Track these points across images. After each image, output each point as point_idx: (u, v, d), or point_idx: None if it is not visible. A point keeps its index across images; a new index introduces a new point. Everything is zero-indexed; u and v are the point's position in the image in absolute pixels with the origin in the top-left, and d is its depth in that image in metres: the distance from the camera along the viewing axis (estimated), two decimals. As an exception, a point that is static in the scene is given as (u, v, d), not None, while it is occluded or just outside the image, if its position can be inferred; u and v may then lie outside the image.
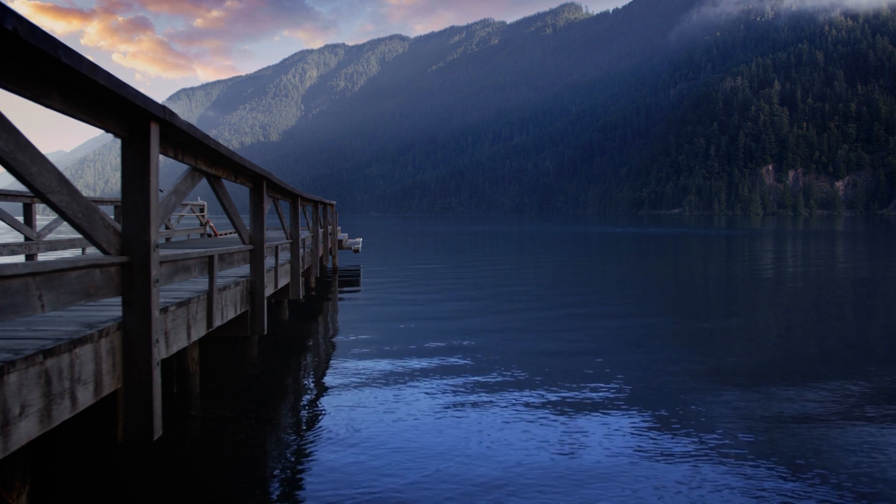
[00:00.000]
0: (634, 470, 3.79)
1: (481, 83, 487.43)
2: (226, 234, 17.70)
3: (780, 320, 9.76)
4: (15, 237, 23.89)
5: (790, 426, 4.60)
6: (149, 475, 3.73)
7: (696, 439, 4.32)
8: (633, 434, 4.43)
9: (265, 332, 6.08)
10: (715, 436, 4.39)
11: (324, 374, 6.17)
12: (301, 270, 8.97)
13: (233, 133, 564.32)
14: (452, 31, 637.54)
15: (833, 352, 7.43)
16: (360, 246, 19.41)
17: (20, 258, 11.16)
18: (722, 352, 7.48)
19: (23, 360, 2.28)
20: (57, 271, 2.38)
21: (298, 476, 3.74)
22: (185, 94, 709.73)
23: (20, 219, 7.55)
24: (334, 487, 3.53)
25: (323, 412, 4.94)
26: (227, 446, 4.21)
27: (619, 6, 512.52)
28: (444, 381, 5.83)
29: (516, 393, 5.46)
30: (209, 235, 16.60)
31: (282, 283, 7.99)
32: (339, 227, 21.57)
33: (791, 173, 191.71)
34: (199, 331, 4.51)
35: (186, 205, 15.94)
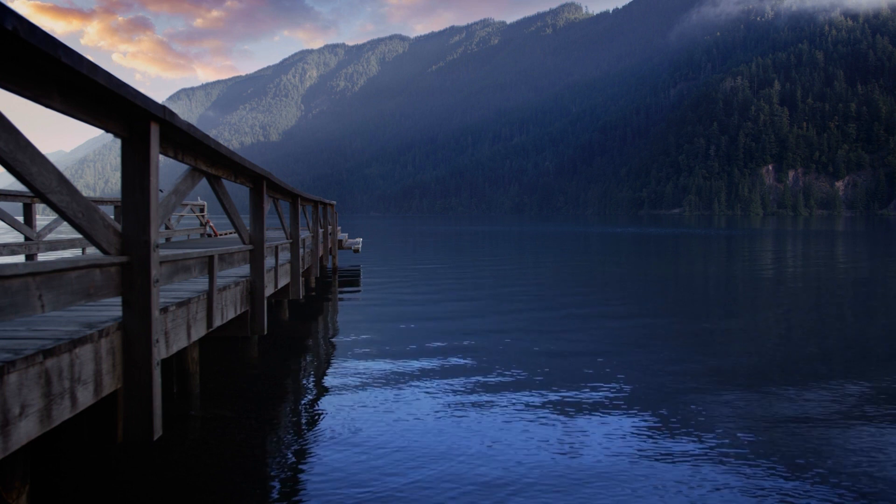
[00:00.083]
0: (635, 470, 3.78)
1: (481, 83, 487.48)
2: (226, 234, 17.70)
3: (780, 320, 9.76)
4: (15, 237, 23.89)
5: (790, 426, 4.60)
6: (149, 475, 3.73)
7: (696, 439, 4.32)
8: (633, 434, 4.43)
9: (265, 332, 6.08)
10: (715, 436, 4.39)
11: (324, 374, 6.17)
12: (301, 270, 8.97)
13: (233, 133, 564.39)
14: (452, 31, 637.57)
15: (833, 352, 7.43)
16: (360, 246, 19.41)
17: (20, 258, 11.16)
18: (722, 352, 7.48)
19: (23, 360, 2.27)
20: (57, 271, 2.38)
21: (298, 476, 3.74)
22: (185, 94, 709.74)
23: (20, 219, 7.55)
24: (334, 487, 3.53)
25: (323, 412, 4.94)
26: (227, 446, 4.21)
27: (619, 6, 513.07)
28: (445, 381, 5.83)
29: (516, 393, 5.46)
30: (209, 235, 16.60)
31: (282, 283, 7.99)
32: (339, 227, 21.57)
33: (791, 173, 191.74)
34: (199, 331, 4.51)
35: (186, 205, 15.94)
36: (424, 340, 7.79)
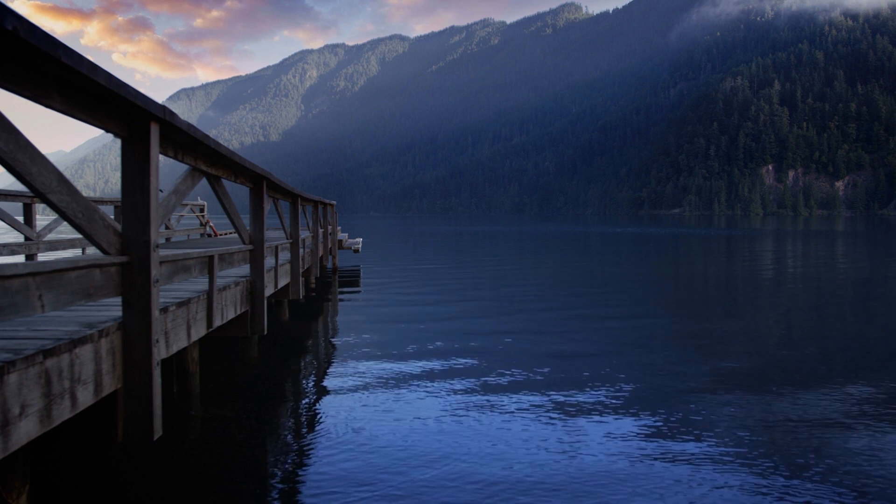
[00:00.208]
0: (635, 470, 3.78)
1: (481, 83, 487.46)
2: (226, 234, 17.70)
3: (780, 321, 9.76)
4: (15, 237, 23.89)
5: (790, 426, 4.60)
6: (149, 475, 3.73)
7: (696, 439, 4.32)
8: (633, 434, 4.43)
9: (265, 332, 6.08)
10: (715, 436, 4.39)
11: (324, 375, 6.17)
12: (301, 270, 8.97)
13: (233, 133, 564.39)
14: (452, 31, 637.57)
15: (833, 352, 7.43)
16: (360, 246, 19.41)
17: (20, 258, 11.16)
18: (722, 352, 7.48)
19: (23, 360, 2.27)
20: (57, 271, 2.38)
21: (299, 476, 3.74)
22: (185, 94, 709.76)
23: (20, 219, 7.55)
24: (334, 487, 3.53)
25: (323, 412, 4.94)
26: (227, 446, 4.21)
27: (619, 6, 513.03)
28: (445, 382, 5.83)
29: (517, 393, 5.46)
30: (209, 235, 16.60)
31: (282, 283, 7.99)
32: (339, 227, 21.57)
33: (791, 173, 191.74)
34: (199, 331, 4.51)
35: (186, 205, 15.95)
36: (425, 340, 7.79)
